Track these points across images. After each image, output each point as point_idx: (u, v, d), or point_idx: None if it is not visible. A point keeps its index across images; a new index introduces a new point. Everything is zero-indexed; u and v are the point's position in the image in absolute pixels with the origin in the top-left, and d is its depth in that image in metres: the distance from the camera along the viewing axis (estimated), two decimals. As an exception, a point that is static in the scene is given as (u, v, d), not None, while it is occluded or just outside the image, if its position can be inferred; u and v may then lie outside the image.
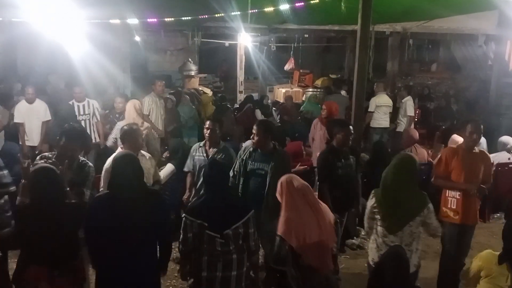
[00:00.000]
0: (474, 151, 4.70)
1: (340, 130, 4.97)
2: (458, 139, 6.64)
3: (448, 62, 17.51)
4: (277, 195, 3.53)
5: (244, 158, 4.60)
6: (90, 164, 4.14)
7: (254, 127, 4.56)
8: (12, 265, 4.67)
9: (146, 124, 7.01)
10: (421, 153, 6.48)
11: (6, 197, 4.06)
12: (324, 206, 3.62)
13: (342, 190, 4.88)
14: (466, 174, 4.56)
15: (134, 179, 3.19)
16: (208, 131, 4.95)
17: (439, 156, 5.06)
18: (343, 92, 10.62)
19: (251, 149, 4.63)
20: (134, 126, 4.59)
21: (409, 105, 9.24)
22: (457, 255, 4.69)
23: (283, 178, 3.56)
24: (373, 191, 3.74)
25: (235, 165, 4.72)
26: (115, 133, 6.67)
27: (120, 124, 6.42)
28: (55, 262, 3.17)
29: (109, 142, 6.93)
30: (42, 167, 3.31)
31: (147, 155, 4.74)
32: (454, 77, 15.94)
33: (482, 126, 4.70)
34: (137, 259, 3.17)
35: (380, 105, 9.02)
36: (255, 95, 12.89)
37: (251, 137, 4.65)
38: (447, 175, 4.67)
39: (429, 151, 6.97)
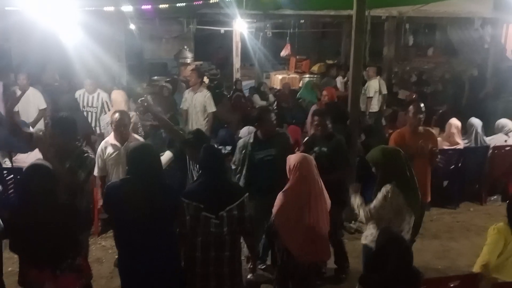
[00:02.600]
0: (419, 131, 4.90)
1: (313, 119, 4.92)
2: (455, 122, 6.69)
3: (444, 46, 17.46)
4: (287, 169, 3.56)
5: (248, 152, 4.57)
6: (92, 156, 4.13)
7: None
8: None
9: (133, 113, 6.90)
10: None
11: None
12: (326, 196, 3.62)
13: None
14: (415, 157, 4.61)
15: (149, 170, 3.24)
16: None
17: (390, 139, 5.17)
18: (339, 78, 10.60)
19: (251, 140, 4.61)
20: (125, 114, 4.67)
21: (371, 86, 9.09)
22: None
23: (298, 158, 3.58)
24: (389, 185, 3.64)
25: (234, 159, 4.72)
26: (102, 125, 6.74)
27: (105, 118, 6.49)
28: (55, 262, 3.14)
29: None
30: (34, 165, 3.22)
31: (141, 139, 4.90)
32: (451, 61, 15.91)
33: (423, 105, 4.97)
34: (157, 243, 3.24)
35: (376, 90, 9.02)
36: (251, 82, 12.85)
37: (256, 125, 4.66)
38: None
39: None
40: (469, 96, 10.33)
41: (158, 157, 3.46)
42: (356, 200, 3.81)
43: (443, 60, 16.43)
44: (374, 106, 9.06)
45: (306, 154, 3.77)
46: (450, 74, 12.70)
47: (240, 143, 4.71)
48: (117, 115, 4.58)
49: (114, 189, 3.31)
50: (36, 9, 6.72)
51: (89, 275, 3.47)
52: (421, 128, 4.95)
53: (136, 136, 4.93)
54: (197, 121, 7.17)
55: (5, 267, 3.93)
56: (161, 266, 3.28)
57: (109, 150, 4.59)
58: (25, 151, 5.37)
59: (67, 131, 3.98)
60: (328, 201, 3.64)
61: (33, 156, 5.26)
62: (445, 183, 6.83)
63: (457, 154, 6.67)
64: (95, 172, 4.56)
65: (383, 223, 3.59)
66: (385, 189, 3.56)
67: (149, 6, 7.94)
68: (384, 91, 9.21)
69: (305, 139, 5.24)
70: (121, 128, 4.54)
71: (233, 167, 4.70)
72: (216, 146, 4.76)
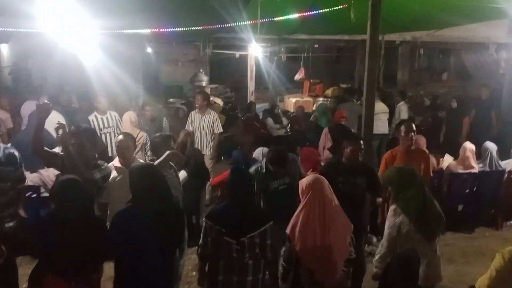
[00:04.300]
0: (411, 150, 4.96)
1: (348, 144, 4.49)
2: (469, 145, 6.66)
3: (459, 70, 17.45)
4: (300, 191, 3.54)
5: (261, 180, 4.48)
6: (108, 165, 4.31)
7: None
8: (27, 270, 4.81)
9: (142, 134, 7.00)
10: (431, 161, 6.47)
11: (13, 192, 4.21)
12: (345, 220, 3.56)
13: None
14: None
15: (155, 191, 3.23)
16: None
17: (382, 159, 5.23)
18: (354, 101, 10.62)
19: (264, 170, 4.56)
20: (129, 137, 4.58)
21: (403, 110, 9.48)
22: None
23: (310, 179, 3.57)
24: (394, 207, 3.71)
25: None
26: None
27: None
28: (74, 273, 3.18)
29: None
30: (67, 178, 3.35)
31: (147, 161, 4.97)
32: (465, 86, 15.88)
33: (414, 125, 5.08)
34: (154, 266, 3.21)
35: (377, 113, 9.03)
36: (265, 105, 12.96)
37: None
38: None
39: (440, 159, 6.96)
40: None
41: (161, 175, 3.41)
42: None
43: (457, 84, 16.41)
44: (380, 128, 9.04)
45: (318, 175, 3.75)
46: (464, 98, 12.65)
47: (252, 171, 4.57)
48: (120, 137, 4.52)
49: (122, 215, 3.26)
50: (56, 31, 6.89)
51: None
52: (413, 148, 5.01)
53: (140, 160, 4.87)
54: (205, 142, 7.24)
55: (20, 283, 4.00)
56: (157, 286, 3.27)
57: (114, 173, 4.48)
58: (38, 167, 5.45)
59: (89, 140, 4.19)
60: (349, 225, 3.55)
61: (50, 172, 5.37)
62: (460, 207, 6.76)
63: (472, 178, 6.62)
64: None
65: (392, 242, 3.60)
66: (391, 208, 3.64)
67: (166, 30, 8.10)
68: (404, 117, 9.35)
69: (323, 167, 4.98)
70: (124, 150, 4.43)
71: None
72: (245, 169, 4.70)
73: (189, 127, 7.31)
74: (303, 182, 3.58)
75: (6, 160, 4.12)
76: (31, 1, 5.44)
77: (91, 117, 7.11)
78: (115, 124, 7.14)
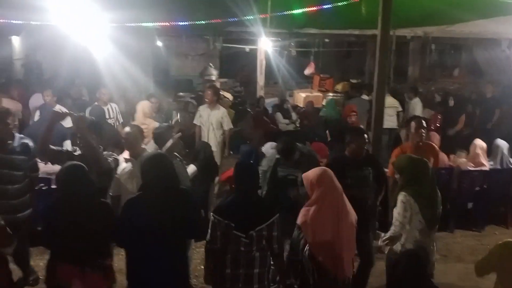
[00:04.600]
0: (420, 145, 5.01)
1: (353, 139, 4.52)
2: (480, 143, 6.61)
3: (470, 67, 17.27)
4: (308, 185, 3.56)
5: (272, 165, 4.60)
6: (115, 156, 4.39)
7: None
8: (37, 261, 4.87)
9: (154, 125, 6.99)
10: (442, 158, 6.43)
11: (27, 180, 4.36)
12: (353, 212, 3.60)
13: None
14: None
15: (165, 179, 3.27)
16: None
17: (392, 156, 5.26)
18: (364, 96, 10.58)
19: (277, 156, 4.65)
20: (136, 129, 4.61)
21: (417, 106, 9.45)
22: None
23: (318, 172, 3.59)
24: (403, 193, 3.72)
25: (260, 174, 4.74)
26: None
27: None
28: (86, 259, 3.22)
29: None
30: (71, 165, 3.39)
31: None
32: (477, 82, 15.73)
33: (424, 122, 5.12)
34: (167, 256, 3.25)
35: (386, 107, 9.00)
36: (275, 100, 12.94)
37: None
38: None
39: (450, 156, 6.91)
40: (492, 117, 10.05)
41: (171, 164, 3.44)
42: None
43: (469, 80, 16.25)
44: (389, 123, 8.99)
45: (325, 168, 3.77)
46: (476, 94, 12.52)
47: (265, 153, 4.79)
48: (127, 129, 4.57)
49: (132, 204, 3.31)
50: (67, 24, 6.93)
51: (114, 278, 3.52)
52: (422, 143, 5.05)
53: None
54: (213, 138, 7.18)
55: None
56: (171, 276, 3.29)
57: (123, 164, 4.52)
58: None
59: (95, 132, 4.22)
60: (354, 215, 3.61)
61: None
62: (470, 205, 6.72)
63: (482, 176, 6.57)
64: (110, 191, 4.46)
65: (400, 228, 3.64)
66: (399, 197, 3.66)
67: (177, 23, 8.11)
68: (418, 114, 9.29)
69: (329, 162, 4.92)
70: (133, 141, 4.45)
71: None
72: (251, 162, 4.77)
73: (196, 121, 7.29)
74: (309, 176, 3.59)
75: (21, 149, 4.26)
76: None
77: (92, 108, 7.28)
78: (115, 115, 7.37)
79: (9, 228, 3.30)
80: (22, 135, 4.50)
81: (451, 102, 10.08)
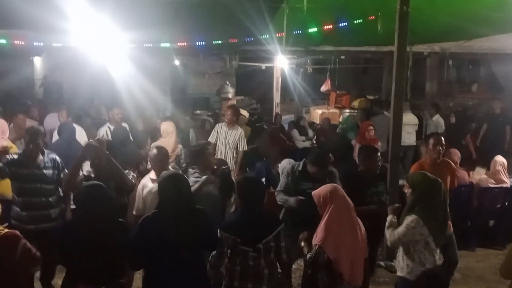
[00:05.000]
0: (438, 162, 5.02)
1: (368, 156, 4.87)
2: (500, 159, 6.50)
3: (489, 82, 17.11)
4: (319, 202, 3.58)
5: (295, 178, 4.64)
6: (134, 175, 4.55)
7: None
8: (56, 280, 4.90)
9: (177, 146, 7.00)
10: (462, 175, 6.34)
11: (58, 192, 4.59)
12: (358, 220, 3.67)
13: (372, 221, 4.21)
14: None
15: (179, 198, 3.29)
16: None
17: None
18: (386, 113, 10.52)
19: (300, 168, 4.66)
20: (163, 150, 4.67)
21: (440, 123, 9.44)
22: None
23: (328, 189, 3.62)
24: (414, 216, 3.66)
25: (281, 183, 4.78)
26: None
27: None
28: (102, 279, 3.23)
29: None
30: (90, 184, 3.46)
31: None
32: (496, 98, 15.54)
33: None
34: (186, 274, 3.26)
35: (404, 124, 8.93)
36: (291, 117, 12.96)
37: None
38: None
39: (470, 173, 6.80)
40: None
41: (187, 183, 3.48)
42: (390, 220, 3.80)
43: (488, 96, 16.07)
44: (406, 140, 8.91)
45: (334, 184, 3.81)
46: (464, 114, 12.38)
47: (288, 167, 4.74)
48: (154, 150, 4.64)
49: (148, 221, 3.33)
50: (87, 45, 7.09)
51: None
52: (439, 160, 5.07)
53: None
54: (230, 156, 7.07)
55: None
56: None
57: (150, 185, 4.54)
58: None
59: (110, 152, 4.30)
60: (363, 228, 3.66)
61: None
62: (491, 222, 6.59)
63: (504, 193, 6.45)
64: (134, 211, 4.55)
65: (410, 251, 3.61)
66: (410, 218, 3.59)
67: (195, 44, 8.22)
68: (441, 130, 9.35)
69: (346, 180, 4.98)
70: (159, 162, 4.53)
71: (278, 189, 4.78)
72: (254, 176, 4.81)
73: (212, 139, 7.22)
74: (321, 193, 3.62)
75: (49, 163, 4.47)
76: (63, 16, 5.62)
77: (104, 129, 7.27)
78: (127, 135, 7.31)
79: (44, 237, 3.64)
80: (49, 151, 4.71)
81: (453, 119, 9.97)
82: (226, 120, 7.26)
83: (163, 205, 3.33)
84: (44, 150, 4.56)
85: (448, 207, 3.93)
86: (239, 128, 7.34)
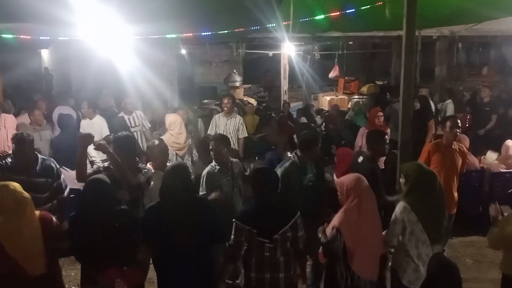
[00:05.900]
0: (453, 146, 5.10)
1: (377, 141, 4.89)
2: (511, 144, 6.43)
3: (500, 65, 16.88)
4: (342, 191, 3.56)
5: (297, 173, 4.54)
6: (148, 169, 4.42)
7: None
8: (69, 272, 4.96)
9: (188, 138, 7.00)
10: (472, 160, 6.29)
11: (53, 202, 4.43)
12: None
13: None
14: (445, 171, 4.98)
15: (181, 188, 3.34)
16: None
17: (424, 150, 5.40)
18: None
19: (297, 162, 4.56)
20: (161, 143, 4.75)
21: (449, 108, 9.43)
22: None
23: (351, 178, 3.60)
24: (401, 204, 3.65)
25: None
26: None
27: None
28: (119, 260, 3.30)
29: None
30: (93, 179, 3.49)
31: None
32: (507, 81, 15.35)
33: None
34: (192, 263, 3.31)
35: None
36: (299, 104, 12.90)
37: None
38: None
39: (481, 158, 6.74)
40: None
41: (186, 172, 3.51)
42: None
43: (498, 79, 15.87)
44: None
45: (358, 174, 3.74)
46: (506, 93, 12.20)
47: (287, 165, 4.57)
48: (156, 143, 4.74)
49: (152, 211, 3.43)
50: (94, 37, 7.08)
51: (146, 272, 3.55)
52: (455, 143, 5.13)
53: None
54: (233, 146, 7.10)
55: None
56: (199, 282, 3.36)
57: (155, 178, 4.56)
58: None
59: (127, 148, 4.27)
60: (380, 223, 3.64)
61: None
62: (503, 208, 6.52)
63: (516, 177, 6.39)
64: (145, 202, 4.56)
65: (396, 240, 3.64)
66: (398, 205, 3.65)
67: (200, 34, 8.18)
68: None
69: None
70: (159, 156, 4.66)
71: None
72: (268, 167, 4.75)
73: (212, 131, 7.21)
74: (344, 182, 3.60)
75: (42, 171, 4.32)
76: (69, 9, 5.61)
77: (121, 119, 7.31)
78: (141, 122, 7.40)
79: None
80: (44, 157, 4.58)
81: (417, 105, 9.86)
82: (225, 109, 7.27)
83: (162, 194, 3.40)
84: (39, 156, 4.41)
85: (445, 200, 3.90)
86: (237, 115, 7.38)
